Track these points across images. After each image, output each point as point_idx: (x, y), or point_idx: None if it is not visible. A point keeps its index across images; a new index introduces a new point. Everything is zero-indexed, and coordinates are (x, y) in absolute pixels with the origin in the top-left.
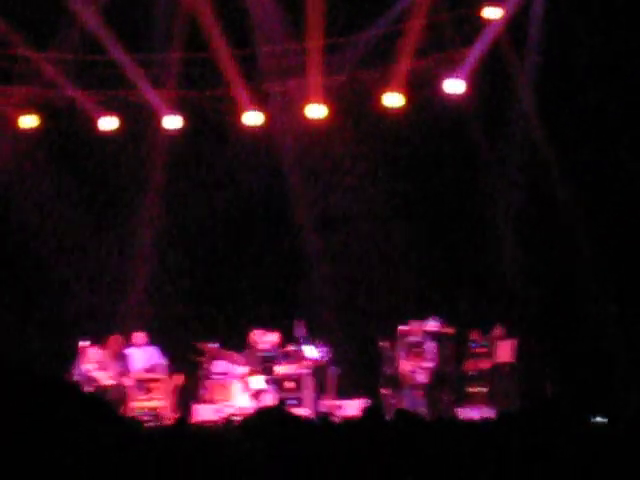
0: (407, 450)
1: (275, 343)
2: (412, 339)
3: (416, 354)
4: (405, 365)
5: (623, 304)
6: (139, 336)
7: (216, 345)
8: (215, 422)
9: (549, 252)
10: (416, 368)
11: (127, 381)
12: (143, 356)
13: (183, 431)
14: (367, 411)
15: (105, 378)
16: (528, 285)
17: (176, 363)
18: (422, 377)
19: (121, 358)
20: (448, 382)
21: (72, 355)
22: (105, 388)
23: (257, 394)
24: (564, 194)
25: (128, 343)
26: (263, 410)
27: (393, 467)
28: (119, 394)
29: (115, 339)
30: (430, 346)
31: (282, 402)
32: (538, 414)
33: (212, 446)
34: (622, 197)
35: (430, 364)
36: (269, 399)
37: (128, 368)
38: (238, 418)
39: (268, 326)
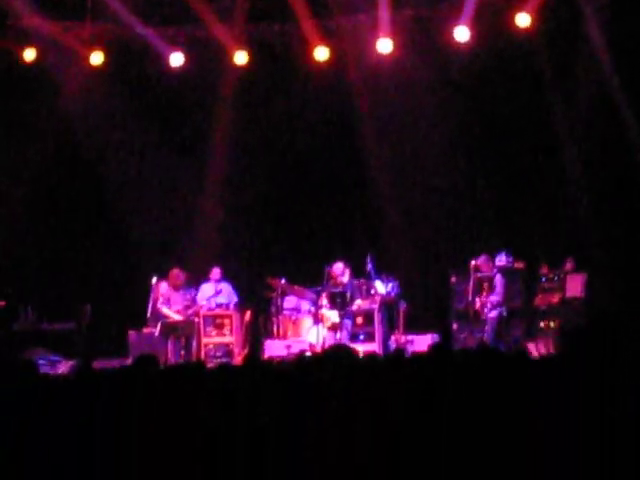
0: (477, 385)
1: (350, 277)
2: (483, 274)
3: (486, 289)
4: (476, 300)
5: None
6: (215, 271)
7: (286, 281)
8: (284, 358)
9: (618, 186)
10: (486, 302)
11: (197, 317)
12: (216, 291)
13: (252, 370)
14: (435, 347)
15: (174, 313)
16: (599, 218)
17: (246, 299)
18: (492, 311)
19: (185, 291)
20: (518, 317)
21: (145, 290)
22: (175, 324)
23: (331, 328)
24: (634, 129)
25: (196, 277)
26: (333, 349)
27: (465, 402)
28: (190, 329)
29: (175, 273)
30: (498, 279)
31: (355, 337)
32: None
33: (281, 383)
34: None
35: (498, 297)
36: (342, 334)
37: (195, 302)
38: (309, 353)
39: (339, 261)
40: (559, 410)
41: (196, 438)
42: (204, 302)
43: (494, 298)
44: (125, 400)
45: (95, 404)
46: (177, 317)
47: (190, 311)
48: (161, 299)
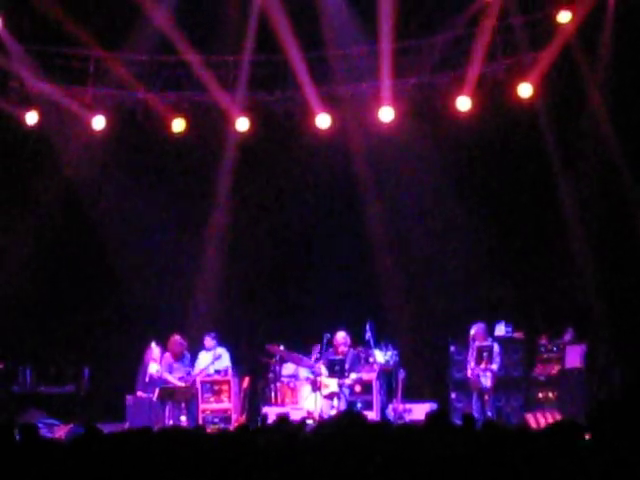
0: (474, 455)
1: (349, 346)
2: (482, 343)
3: (485, 358)
4: (473, 369)
5: None
6: (210, 338)
7: (284, 347)
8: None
9: (620, 256)
10: (482, 372)
11: (196, 383)
12: (213, 358)
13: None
14: (432, 415)
15: (174, 379)
16: (600, 289)
17: (244, 365)
18: (487, 381)
19: (184, 358)
20: (517, 387)
21: (139, 356)
22: (173, 389)
23: (329, 396)
24: (636, 197)
25: (197, 344)
26: (338, 416)
27: (459, 472)
28: (188, 395)
29: (176, 340)
30: (496, 349)
31: (353, 405)
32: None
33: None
34: None
35: (496, 367)
36: (340, 402)
37: (196, 368)
38: (309, 421)
39: (337, 329)
40: None
41: None
42: (203, 369)
43: (493, 367)
44: (128, 465)
45: (99, 469)
46: (179, 383)
47: (191, 378)
48: (162, 365)
